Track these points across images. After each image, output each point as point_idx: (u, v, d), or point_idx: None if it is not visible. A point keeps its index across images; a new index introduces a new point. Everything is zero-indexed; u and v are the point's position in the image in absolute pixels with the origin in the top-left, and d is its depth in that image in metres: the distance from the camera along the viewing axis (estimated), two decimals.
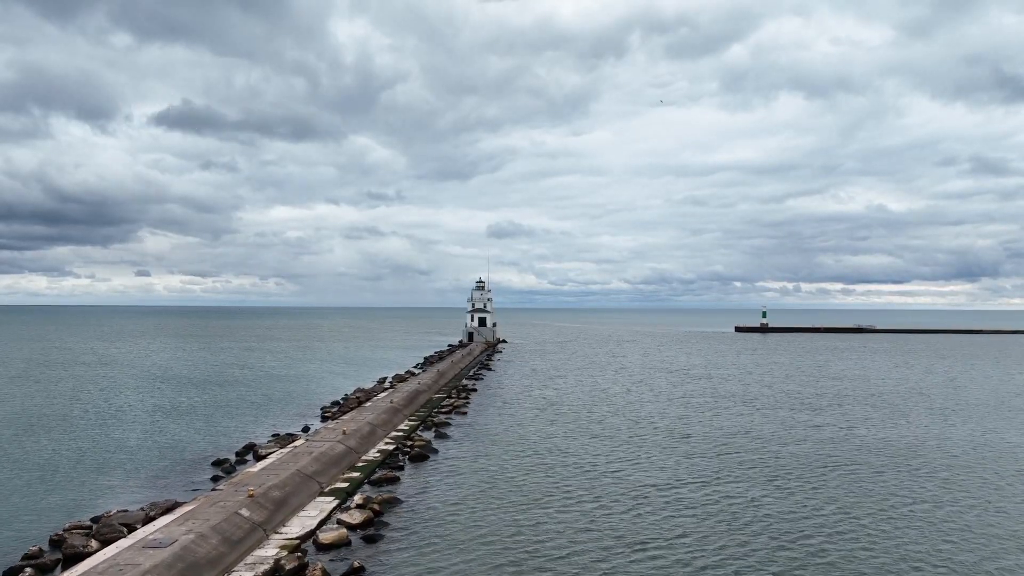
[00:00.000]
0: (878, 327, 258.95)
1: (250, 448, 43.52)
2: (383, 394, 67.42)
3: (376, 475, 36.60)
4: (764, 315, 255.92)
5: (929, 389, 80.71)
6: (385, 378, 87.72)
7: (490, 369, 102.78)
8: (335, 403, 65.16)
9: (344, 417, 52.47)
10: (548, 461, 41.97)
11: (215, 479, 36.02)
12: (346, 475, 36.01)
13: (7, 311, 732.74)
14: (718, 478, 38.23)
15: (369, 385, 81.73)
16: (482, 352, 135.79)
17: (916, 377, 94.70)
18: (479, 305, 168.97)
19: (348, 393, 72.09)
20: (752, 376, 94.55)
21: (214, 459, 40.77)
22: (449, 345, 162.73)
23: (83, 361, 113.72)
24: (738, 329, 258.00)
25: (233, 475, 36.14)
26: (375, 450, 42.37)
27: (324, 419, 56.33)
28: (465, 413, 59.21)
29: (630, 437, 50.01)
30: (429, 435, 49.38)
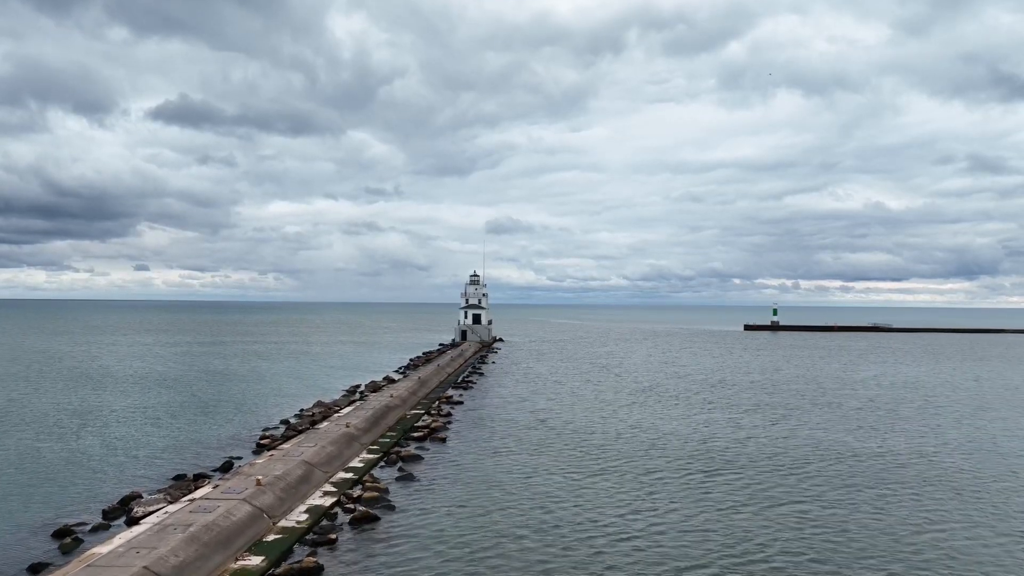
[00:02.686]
0: (894, 326, 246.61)
1: (128, 502, 30.92)
2: (346, 410, 54.94)
3: (288, 563, 24.04)
4: (775, 313, 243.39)
5: (993, 402, 68.23)
6: (358, 386, 75.18)
7: (482, 374, 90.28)
8: (284, 422, 52.63)
9: (285, 446, 40.04)
10: (539, 520, 29.59)
11: (34, 571, 23.41)
12: (237, 564, 23.44)
13: (4, 305, 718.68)
14: (785, 555, 25.72)
15: (337, 395, 69.19)
16: (475, 353, 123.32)
17: (968, 384, 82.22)
18: (473, 301, 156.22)
19: (304, 408, 59.50)
20: (777, 383, 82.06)
21: (63, 524, 28.12)
22: (440, 344, 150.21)
23: (21, 362, 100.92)
24: (747, 327, 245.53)
25: (69, 559, 23.59)
26: (303, 508, 29.80)
27: (259, 448, 43.78)
28: (443, 439, 46.64)
29: (643, 475, 37.65)
30: (390, 475, 36.84)
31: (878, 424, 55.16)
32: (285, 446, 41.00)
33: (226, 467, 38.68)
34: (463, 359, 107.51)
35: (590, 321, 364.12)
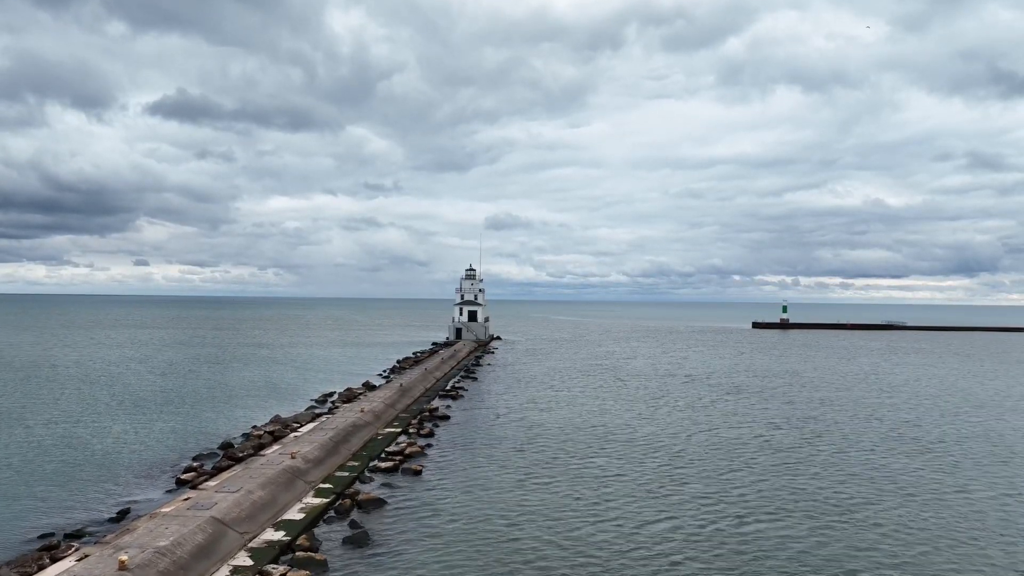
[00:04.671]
0: (908, 324, 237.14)
1: None
2: (305, 428, 45.57)
3: None
4: (784, 310, 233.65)
5: None
6: (331, 395, 65.71)
7: (475, 379, 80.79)
8: (225, 446, 43.04)
9: (211, 484, 30.85)
10: None
11: None
12: None
13: (3, 300, 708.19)
14: None
15: (303, 406, 59.76)
16: (469, 354, 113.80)
17: (1018, 392, 72.83)
18: (469, 296, 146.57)
19: (258, 424, 49.97)
20: (803, 390, 72.53)
21: None
22: (433, 344, 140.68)
23: None
24: (755, 325, 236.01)
25: None
26: None
27: (178, 485, 34.20)
28: (418, 471, 37.02)
29: (664, 527, 28.19)
30: (337, 534, 27.34)
31: (944, 447, 45.67)
32: (210, 484, 31.70)
33: (121, 515, 29.18)
34: (455, 361, 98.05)
35: (590, 318, 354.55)
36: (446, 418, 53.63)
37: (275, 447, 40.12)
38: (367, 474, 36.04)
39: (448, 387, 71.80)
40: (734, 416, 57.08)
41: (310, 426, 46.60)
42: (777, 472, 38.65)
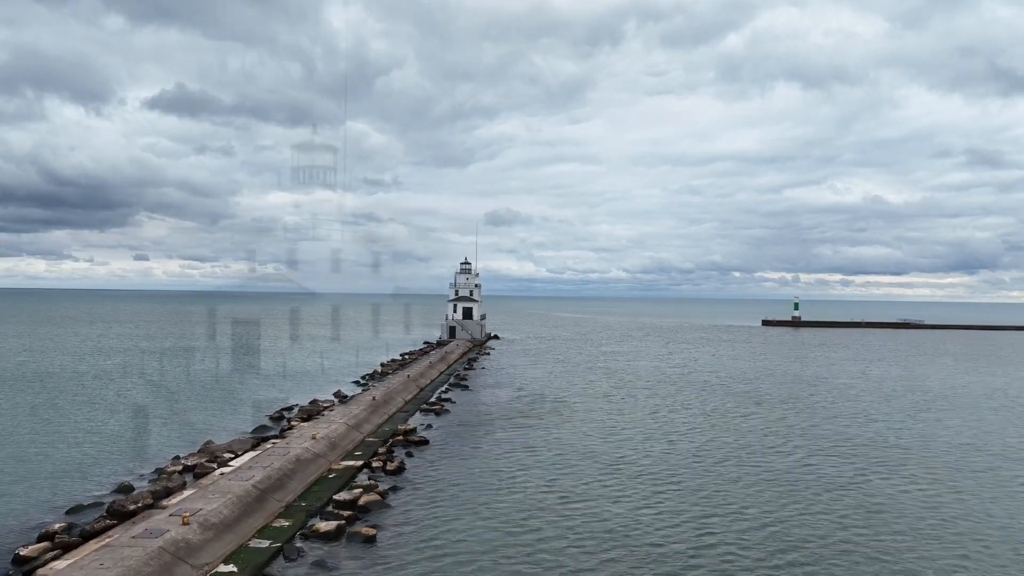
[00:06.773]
0: (926, 322, 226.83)
1: None
2: (237, 462, 35.34)
3: None
4: (796, 307, 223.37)
5: None
6: (289, 411, 55.37)
7: (466, 387, 70.46)
8: (123, 489, 32.70)
9: (58, 566, 20.70)
10: None
11: None
12: None
13: (4, 295, 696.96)
14: None
15: (250, 427, 49.46)
16: (463, 355, 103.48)
17: None
18: (464, 292, 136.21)
19: (182, 455, 39.54)
20: (841, 400, 62.22)
21: None
22: (425, 343, 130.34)
23: None
24: (765, 323, 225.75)
25: None
26: None
27: (16, 564, 23.84)
28: (370, 538, 26.59)
29: None
30: None
31: None
32: (58, 566, 21.57)
33: None
34: (445, 365, 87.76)
35: (592, 315, 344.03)
36: (424, 443, 43.29)
37: (185, 493, 29.86)
38: (297, 543, 25.69)
39: (433, 398, 61.51)
40: (770, 436, 46.84)
41: (246, 458, 36.28)
42: (855, 525, 28.44)
